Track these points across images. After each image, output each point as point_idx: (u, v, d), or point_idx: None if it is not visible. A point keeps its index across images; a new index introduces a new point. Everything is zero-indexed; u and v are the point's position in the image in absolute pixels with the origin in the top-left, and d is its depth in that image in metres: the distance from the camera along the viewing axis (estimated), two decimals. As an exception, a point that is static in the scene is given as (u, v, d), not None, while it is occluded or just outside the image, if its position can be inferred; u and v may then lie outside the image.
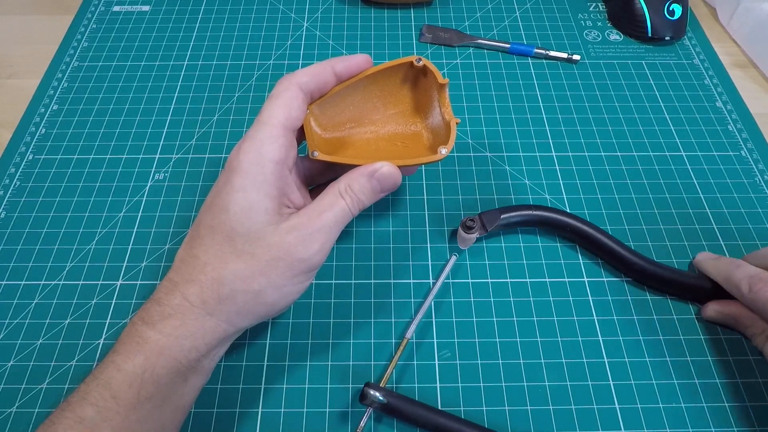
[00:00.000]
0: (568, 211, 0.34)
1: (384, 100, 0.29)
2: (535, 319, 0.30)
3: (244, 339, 0.30)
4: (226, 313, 0.22)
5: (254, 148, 0.23)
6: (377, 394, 0.26)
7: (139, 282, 0.32)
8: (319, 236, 0.24)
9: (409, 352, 0.29)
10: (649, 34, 0.44)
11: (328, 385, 0.28)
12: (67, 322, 0.30)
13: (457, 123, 0.26)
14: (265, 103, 0.25)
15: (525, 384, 0.28)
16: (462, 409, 0.28)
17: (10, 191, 0.36)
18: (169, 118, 0.40)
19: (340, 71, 0.26)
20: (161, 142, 0.38)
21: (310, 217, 0.24)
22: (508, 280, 0.32)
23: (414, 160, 0.26)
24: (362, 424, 0.26)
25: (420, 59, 0.27)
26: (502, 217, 0.32)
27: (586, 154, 0.38)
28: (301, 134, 0.27)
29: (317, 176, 0.30)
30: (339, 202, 0.24)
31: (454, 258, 0.32)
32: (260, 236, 0.23)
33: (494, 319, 0.30)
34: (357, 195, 0.25)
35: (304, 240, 0.23)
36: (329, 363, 0.29)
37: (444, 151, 0.26)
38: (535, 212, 0.32)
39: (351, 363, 0.29)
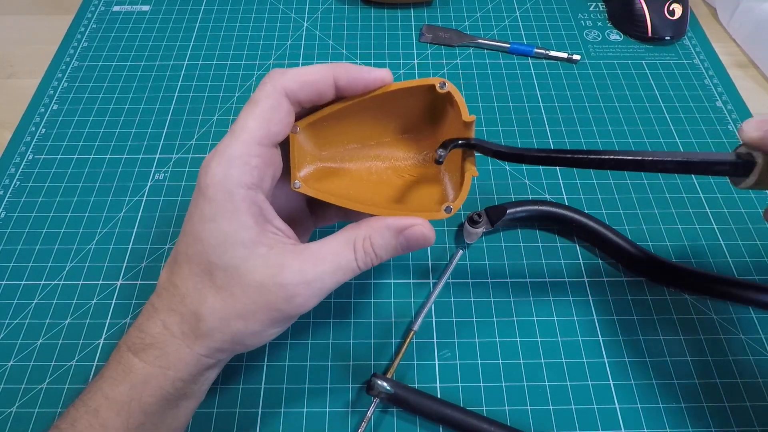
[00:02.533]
0: (568, 211, 0.34)
1: (396, 123, 0.25)
2: (535, 319, 0.30)
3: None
4: (206, 348, 0.21)
5: (221, 170, 0.20)
6: (384, 384, 0.26)
7: (139, 282, 0.32)
8: (305, 290, 0.20)
9: (409, 351, 0.29)
10: (649, 34, 0.44)
11: (328, 385, 0.28)
12: (67, 322, 0.30)
13: (474, 176, 0.22)
14: (243, 108, 0.21)
15: (525, 384, 0.28)
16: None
17: (10, 191, 0.36)
18: (169, 118, 0.40)
19: (344, 86, 0.22)
20: (161, 142, 0.38)
21: (303, 263, 0.20)
22: (508, 280, 0.32)
23: (413, 214, 0.22)
24: (369, 414, 0.26)
25: (445, 83, 0.22)
26: (508, 212, 0.32)
27: (586, 154, 0.38)
28: (285, 145, 0.23)
29: None
30: (346, 255, 0.21)
31: (460, 252, 0.32)
32: (240, 273, 0.20)
33: (494, 319, 0.30)
34: (375, 250, 0.21)
35: (286, 290, 0.20)
36: (329, 363, 0.29)
37: (450, 209, 0.22)
38: (540, 207, 0.33)
39: (351, 363, 0.29)
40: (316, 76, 0.21)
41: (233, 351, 0.22)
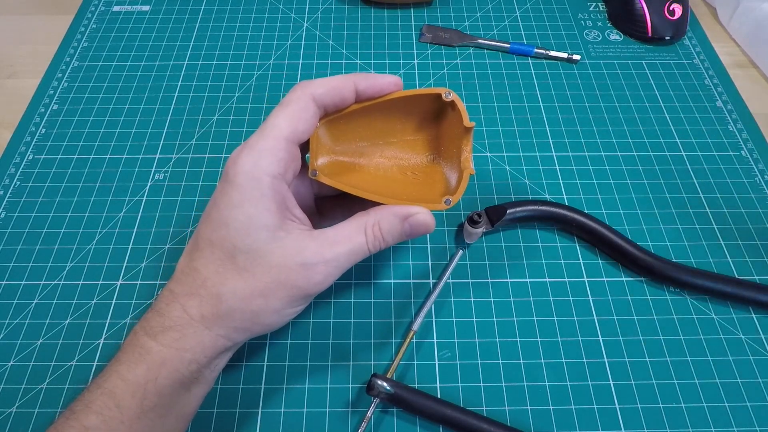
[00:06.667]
0: (568, 211, 0.34)
1: (403, 126, 0.27)
2: (535, 319, 0.30)
3: (244, 339, 0.30)
4: (225, 328, 0.22)
5: (251, 160, 0.22)
6: (384, 384, 0.26)
7: (139, 282, 0.32)
8: (324, 269, 0.22)
9: (409, 351, 0.29)
10: (649, 34, 0.44)
11: (328, 385, 0.28)
12: (67, 322, 0.30)
13: (471, 174, 0.25)
14: (273, 110, 0.24)
15: (525, 384, 0.28)
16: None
17: (10, 191, 0.36)
18: (169, 118, 0.40)
19: (362, 90, 0.24)
20: (161, 142, 0.38)
21: (320, 245, 0.22)
22: (508, 280, 0.32)
23: (414, 204, 0.24)
24: (369, 414, 0.26)
25: (450, 93, 0.25)
26: (508, 212, 0.32)
27: (586, 154, 0.38)
28: (306, 146, 0.25)
29: (325, 188, 0.29)
30: (358, 238, 0.23)
31: (461, 252, 0.32)
32: (261, 255, 0.22)
33: (494, 319, 0.30)
34: (383, 235, 0.24)
35: (307, 269, 0.22)
36: (329, 363, 0.29)
37: (449, 201, 0.24)
38: (540, 207, 0.33)
39: (351, 363, 0.29)
40: (339, 83, 0.24)
41: (251, 332, 0.23)
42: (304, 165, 0.26)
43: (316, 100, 0.24)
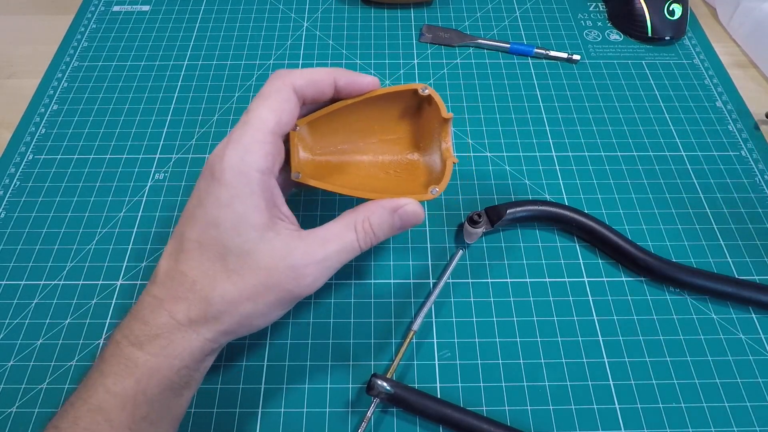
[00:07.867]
0: (568, 211, 0.34)
1: (383, 125, 0.27)
2: (535, 319, 0.30)
3: (244, 339, 0.30)
4: (212, 332, 0.22)
5: (237, 156, 0.21)
6: (384, 384, 0.26)
7: (139, 282, 0.32)
8: (313, 269, 0.22)
9: (409, 351, 0.29)
10: (649, 34, 0.44)
11: (328, 385, 0.28)
12: (67, 322, 0.30)
13: (454, 162, 0.25)
14: (253, 101, 0.23)
15: (525, 384, 0.28)
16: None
17: (10, 191, 0.35)
18: (169, 118, 0.40)
19: (341, 86, 0.24)
20: (161, 142, 0.38)
21: (309, 246, 0.22)
22: (508, 280, 0.32)
23: (401, 196, 0.24)
24: (369, 414, 0.26)
25: (426, 88, 0.25)
26: (508, 212, 0.32)
27: (586, 154, 0.38)
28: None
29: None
30: (348, 236, 0.23)
31: (461, 252, 0.32)
32: (250, 256, 0.21)
33: (494, 319, 0.30)
34: (374, 230, 0.23)
35: (296, 271, 0.22)
36: (329, 363, 0.29)
37: (435, 191, 0.24)
38: (540, 207, 0.33)
39: (351, 363, 0.29)
40: (319, 76, 0.24)
41: (237, 334, 0.23)
42: (287, 157, 0.26)
43: (296, 92, 0.23)
